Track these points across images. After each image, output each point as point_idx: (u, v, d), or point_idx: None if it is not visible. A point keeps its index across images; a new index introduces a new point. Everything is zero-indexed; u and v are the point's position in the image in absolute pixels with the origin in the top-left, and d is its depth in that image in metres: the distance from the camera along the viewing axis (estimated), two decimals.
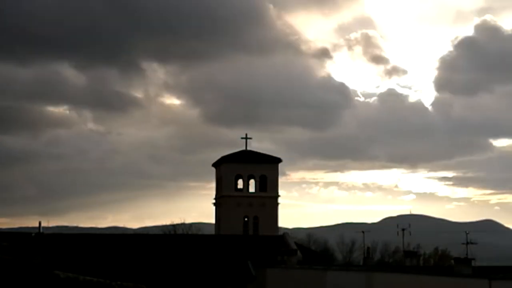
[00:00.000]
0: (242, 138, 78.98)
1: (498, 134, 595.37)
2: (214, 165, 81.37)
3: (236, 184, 77.87)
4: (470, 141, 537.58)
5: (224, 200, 77.33)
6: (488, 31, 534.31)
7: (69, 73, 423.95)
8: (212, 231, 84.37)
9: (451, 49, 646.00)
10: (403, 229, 65.49)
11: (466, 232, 57.54)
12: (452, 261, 46.74)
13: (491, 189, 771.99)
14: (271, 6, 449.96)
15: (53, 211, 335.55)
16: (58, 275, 16.08)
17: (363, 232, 69.19)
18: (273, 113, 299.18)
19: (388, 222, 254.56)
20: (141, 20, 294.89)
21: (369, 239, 72.90)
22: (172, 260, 55.56)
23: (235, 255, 56.74)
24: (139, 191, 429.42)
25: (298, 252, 58.07)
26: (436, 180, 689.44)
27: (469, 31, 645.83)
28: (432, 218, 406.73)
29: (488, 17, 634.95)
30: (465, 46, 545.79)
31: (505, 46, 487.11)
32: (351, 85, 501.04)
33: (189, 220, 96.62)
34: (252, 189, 77.95)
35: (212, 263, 55.39)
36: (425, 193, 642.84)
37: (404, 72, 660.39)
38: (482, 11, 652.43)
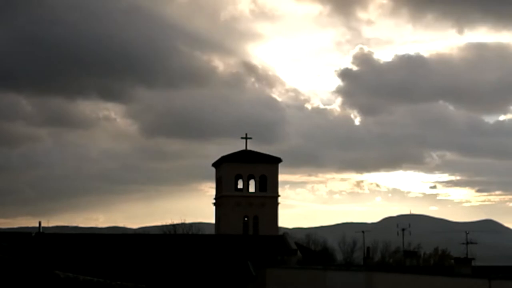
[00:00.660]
0: (242, 138, 78.93)
1: (428, 146, 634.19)
2: (214, 165, 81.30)
3: (236, 184, 77.81)
4: (408, 151, 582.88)
5: (224, 200, 77.28)
6: (365, 62, 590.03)
7: (24, 100, 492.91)
8: (212, 231, 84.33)
9: (339, 78, 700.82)
10: (403, 229, 65.44)
11: (466, 232, 57.53)
12: (452, 261, 46.73)
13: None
14: (183, 47, 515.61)
15: (52, 212, 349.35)
16: (58, 275, 16.07)
17: (363, 232, 69.13)
18: (214, 128, 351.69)
19: (388, 222, 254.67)
20: (80, 59, 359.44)
21: (369, 239, 72.81)
22: (172, 260, 55.54)
23: (235, 255, 56.72)
24: (114, 194, 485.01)
25: (298, 252, 58.08)
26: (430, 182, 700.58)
27: (348, 62, 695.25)
28: (432, 218, 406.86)
29: (365, 49, 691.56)
30: (348, 75, 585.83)
31: (383, 74, 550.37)
32: (279, 104, 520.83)
33: (188, 220, 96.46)
34: (252, 189, 77.90)
35: (212, 263, 55.37)
36: (424, 194, 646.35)
37: (308, 98, 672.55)
38: (358, 43, 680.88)
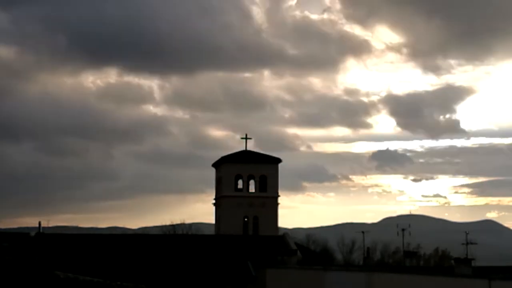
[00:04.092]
0: (242, 138, 79.01)
1: None
2: (214, 165, 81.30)
3: (236, 184, 77.79)
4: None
5: (224, 200, 77.26)
6: None
7: None
8: (212, 231, 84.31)
9: None
10: (403, 229, 65.56)
11: (466, 232, 57.61)
12: (452, 261, 46.74)
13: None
14: None
15: (52, 212, 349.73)
16: (58, 275, 16.06)
17: (363, 232, 69.17)
18: None
19: (388, 222, 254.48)
20: None
21: (369, 239, 72.86)
22: (172, 260, 55.54)
23: (235, 255, 56.73)
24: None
25: (298, 252, 58.05)
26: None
27: None
28: (432, 218, 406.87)
29: None
30: None
31: None
32: None
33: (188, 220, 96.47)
34: (252, 189, 77.87)
35: (212, 263, 55.38)
36: (422, 195, 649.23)
37: None
38: None
